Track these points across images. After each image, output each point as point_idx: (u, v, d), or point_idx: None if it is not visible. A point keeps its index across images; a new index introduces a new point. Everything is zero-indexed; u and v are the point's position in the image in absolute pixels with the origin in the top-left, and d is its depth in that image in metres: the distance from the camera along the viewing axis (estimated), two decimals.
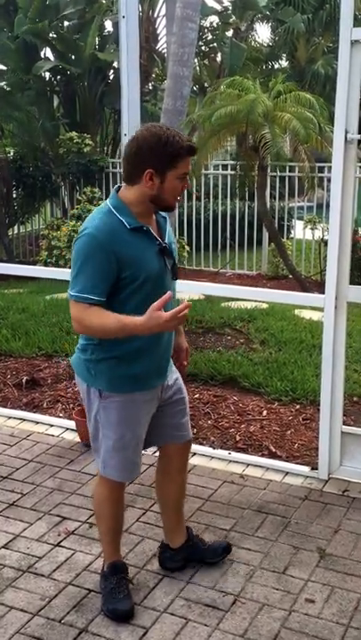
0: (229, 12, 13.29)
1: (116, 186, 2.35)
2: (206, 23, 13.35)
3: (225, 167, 10.21)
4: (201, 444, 3.89)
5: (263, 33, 27.45)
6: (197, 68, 16.01)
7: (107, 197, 2.22)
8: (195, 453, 3.74)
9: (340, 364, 3.34)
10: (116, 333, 2.18)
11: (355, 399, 4.50)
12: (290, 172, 9.19)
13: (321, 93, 18.10)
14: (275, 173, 9.27)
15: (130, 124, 3.47)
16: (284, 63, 22.34)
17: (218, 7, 13.19)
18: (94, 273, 2.16)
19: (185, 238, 10.07)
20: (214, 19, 13.38)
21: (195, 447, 3.79)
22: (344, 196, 3.07)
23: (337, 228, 3.11)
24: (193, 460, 3.66)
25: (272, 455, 3.74)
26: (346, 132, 3.00)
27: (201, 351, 5.30)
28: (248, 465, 3.60)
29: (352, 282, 8.48)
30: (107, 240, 2.16)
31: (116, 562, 2.61)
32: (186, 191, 10.01)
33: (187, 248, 9.99)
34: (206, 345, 5.51)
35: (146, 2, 11.90)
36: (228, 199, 9.83)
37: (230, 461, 3.66)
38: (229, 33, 12.93)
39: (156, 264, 2.28)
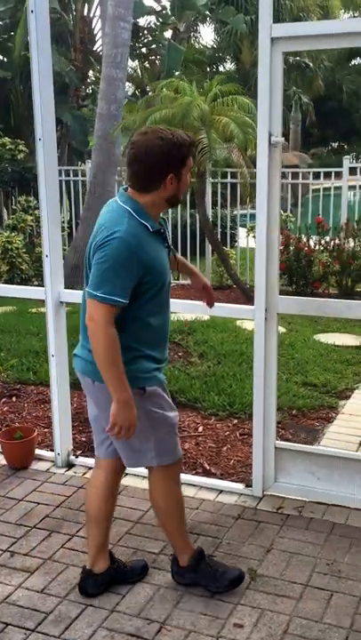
0: (167, 11, 13.42)
1: (122, 187, 2.44)
2: (144, 23, 13.48)
3: None
4: None
5: (207, 35, 27.93)
6: (138, 70, 16.13)
7: None
8: (127, 473, 3.72)
9: (272, 377, 3.38)
10: (108, 367, 2.29)
11: (294, 412, 4.55)
12: (233, 178, 9.29)
13: None
14: (215, 180, 9.35)
15: (44, 127, 3.46)
16: (230, 66, 22.68)
17: (156, 6, 13.31)
18: (122, 276, 2.25)
19: None
20: (153, 19, 13.51)
21: None
22: (270, 201, 3.11)
23: (264, 237, 3.15)
24: (125, 481, 3.64)
25: (206, 473, 3.75)
26: (270, 135, 3.04)
27: None
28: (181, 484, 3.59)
29: (298, 290, 8.58)
30: (135, 244, 2.27)
31: (197, 549, 2.76)
32: None
33: None
34: None
35: (79, 1, 11.90)
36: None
37: None
38: (168, 34, 13.05)
39: (168, 266, 2.45)
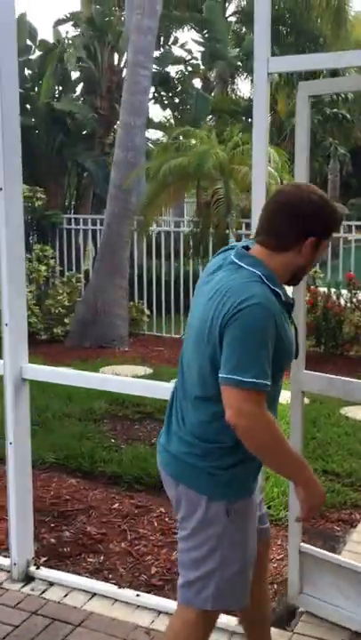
0: (198, 61, 13.17)
1: (243, 246, 2.04)
2: (175, 74, 13.25)
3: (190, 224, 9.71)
4: (106, 578, 3.16)
5: (245, 86, 28.06)
6: (171, 120, 15.87)
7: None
8: (94, 594, 3.01)
9: None
10: (282, 460, 1.93)
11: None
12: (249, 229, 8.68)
13: None
14: (243, 231, 8.75)
15: (5, 175, 2.88)
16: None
17: (186, 55, 13.07)
18: (265, 352, 1.83)
19: (145, 301, 9.48)
20: (183, 68, 13.28)
21: (94, 585, 3.06)
22: None
23: None
24: (90, 605, 2.94)
25: None
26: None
27: (131, 444, 4.61)
28: (160, 613, 2.86)
29: (326, 352, 7.78)
30: (273, 311, 1.86)
31: None
32: (155, 248, 9.49)
33: (147, 312, 9.40)
34: (140, 435, 4.82)
35: (106, 50, 11.71)
36: (191, 259, 9.28)
37: (138, 607, 2.92)
38: (198, 83, 12.77)
39: (294, 345, 2.03)
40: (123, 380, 3.15)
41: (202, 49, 13.72)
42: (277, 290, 1.91)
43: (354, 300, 7.93)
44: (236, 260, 1.95)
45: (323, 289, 8.10)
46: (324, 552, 2.94)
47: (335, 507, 3.86)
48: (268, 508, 3.59)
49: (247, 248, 2.02)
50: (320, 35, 17.07)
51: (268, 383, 1.83)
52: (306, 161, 2.73)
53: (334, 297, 7.92)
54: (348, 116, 20.89)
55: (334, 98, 18.17)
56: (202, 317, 1.93)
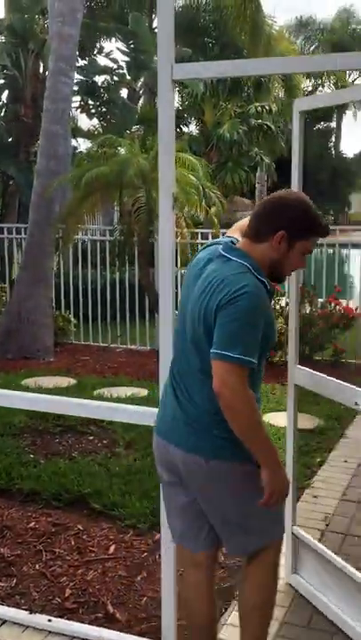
0: (124, 71, 13.05)
1: (228, 240, 2.21)
2: (101, 82, 13.11)
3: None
4: (17, 604, 2.98)
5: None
6: (99, 129, 15.69)
7: None
8: (5, 621, 2.84)
9: None
10: (257, 435, 2.04)
11: None
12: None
13: (229, 157, 18.15)
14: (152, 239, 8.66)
15: None
16: (193, 127, 22.58)
17: (112, 65, 12.94)
18: (253, 335, 2.03)
19: (71, 310, 9.26)
20: (109, 78, 13.14)
21: (5, 612, 2.89)
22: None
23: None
24: (0, 633, 2.75)
25: (108, 619, 2.87)
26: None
27: (50, 459, 4.43)
28: (72, 639, 2.72)
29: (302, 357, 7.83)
30: (263, 300, 2.07)
31: None
32: (80, 257, 9.29)
33: (73, 321, 9.18)
34: (61, 449, 4.64)
35: (30, 58, 11.46)
36: (117, 266, 9.13)
37: (50, 633, 2.77)
38: (125, 93, 12.65)
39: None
40: (22, 395, 2.97)
41: (127, 59, 13.63)
42: (263, 279, 2.09)
43: (277, 306, 7.95)
44: (225, 253, 2.12)
45: None
46: (311, 538, 3.02)
47: None
48: None
49: (233, 242, 2.19)
50: (244, 47, 17.25)
51: (254, 360, 1.99)
52: (299, 171, 2.84)
53: None
54: (273, 127, 21.19)
55: (259, 110, 18.36)
56: (197, 303, 2.08)
